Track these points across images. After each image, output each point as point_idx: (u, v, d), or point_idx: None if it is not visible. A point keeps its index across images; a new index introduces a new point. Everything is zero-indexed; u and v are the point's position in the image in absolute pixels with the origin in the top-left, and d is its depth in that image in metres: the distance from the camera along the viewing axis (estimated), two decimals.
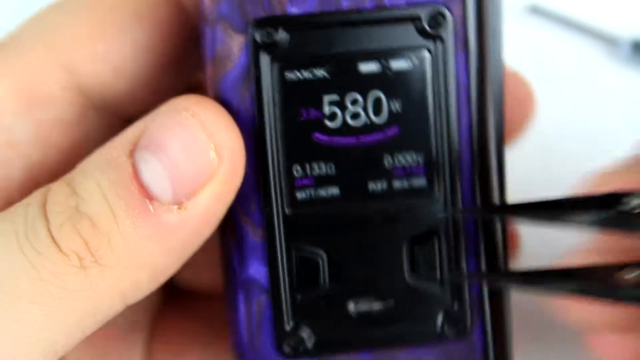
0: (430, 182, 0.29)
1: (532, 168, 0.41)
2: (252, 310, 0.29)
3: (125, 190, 0.27)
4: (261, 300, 0.29)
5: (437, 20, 0.28)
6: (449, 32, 0.28)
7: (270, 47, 0.28)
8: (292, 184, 0.29)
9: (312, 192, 0.29)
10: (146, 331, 0.35)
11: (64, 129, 0.31)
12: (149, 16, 0.30)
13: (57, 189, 0.27)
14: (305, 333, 0.29)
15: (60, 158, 0.31)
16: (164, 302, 0.36)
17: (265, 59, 0.28)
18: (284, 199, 0.29)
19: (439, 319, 0.29)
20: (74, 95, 0.31)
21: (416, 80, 0.28)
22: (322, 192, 0.28)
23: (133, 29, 0.30)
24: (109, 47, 0.30)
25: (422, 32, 0.28)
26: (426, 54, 0.28)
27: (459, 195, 0.29)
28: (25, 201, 0.27)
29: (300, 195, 0.29)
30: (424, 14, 0.28)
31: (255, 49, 0.28)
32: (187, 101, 0.28)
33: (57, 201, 0.27)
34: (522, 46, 0.44)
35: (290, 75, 0.28)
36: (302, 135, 0.28)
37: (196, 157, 0.27)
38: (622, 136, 0.40)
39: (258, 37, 0.28)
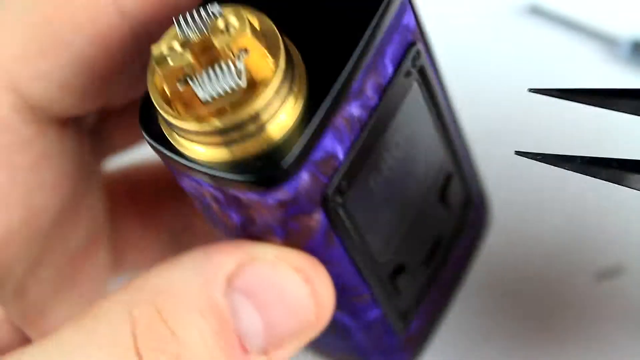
0: None
1: (533, 168, 0.41)
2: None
3: (228, 345, 0.27)
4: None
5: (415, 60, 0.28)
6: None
7: (344, 206, 0.28)
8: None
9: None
10: (107, 241, 0.35)
11: (24, 149, 0.31)
12: (89, 27, 0.30)
13: (149, 319, 0.26)
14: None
15: (28, 177, 0.31)
16: (123, 206, 0.36)
17: (344, 214, 0.28)
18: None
19: None
20: (26, 114, 0.30)
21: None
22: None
23: (74, 42, 0.30)
24: (52, 63, 0.30)
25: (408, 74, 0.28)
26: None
27: None
28: (105, 317, 0.27)
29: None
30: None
31: (332, 216, 0.27)
32: (299, 261, 0.28)
33: (153, 338, 0.26)
34: (522, 46, 0.44)
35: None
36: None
37: (298, 319, 0.28)
38: (622, 136, 0.40)
39: (332, 207, 0.27)
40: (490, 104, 0.43)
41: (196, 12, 0.25)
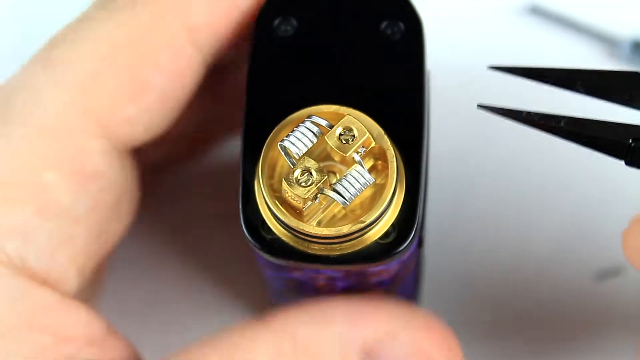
0: None
1: (534, 168, 0.41)
2: None
3: None
4: None
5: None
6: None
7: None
8: None
9: None
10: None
11: (111, 191, 0.32)
12: (170, 67, 0.31)
13: None
14: None
15: (111, 214, 0.32)
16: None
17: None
18: None
19: None
20: (113, 158, 0.32)
21: None
22: None
23: (158, 84, 0.31)
24: (140, 107, 0.31)
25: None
26: None
27: None
28: None
29: None
30: None
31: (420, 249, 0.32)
32: (432, 348, 0.31)
33: None
34: (522, 46, 0.44)
35: None
36: None
37: None
38: None
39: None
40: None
41: (304, 129, 0.28)
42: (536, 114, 0.27)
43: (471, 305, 0.39)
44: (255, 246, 0.28)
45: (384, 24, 0.30)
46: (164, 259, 0.41)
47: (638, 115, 0.29)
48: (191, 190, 0.41)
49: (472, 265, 0.40)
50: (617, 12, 0.44)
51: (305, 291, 0.31)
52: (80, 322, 0.31)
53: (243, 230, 0.28)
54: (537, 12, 0.44)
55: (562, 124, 0.27)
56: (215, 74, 0.34)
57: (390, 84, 0.30)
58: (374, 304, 0.31)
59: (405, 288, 0.33)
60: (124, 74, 0.31)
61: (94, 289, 0.36)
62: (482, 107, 0.29)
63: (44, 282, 0.31)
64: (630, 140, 0.27)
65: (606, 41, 0.44)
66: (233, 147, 0.41)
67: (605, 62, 0.44)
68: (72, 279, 0.32)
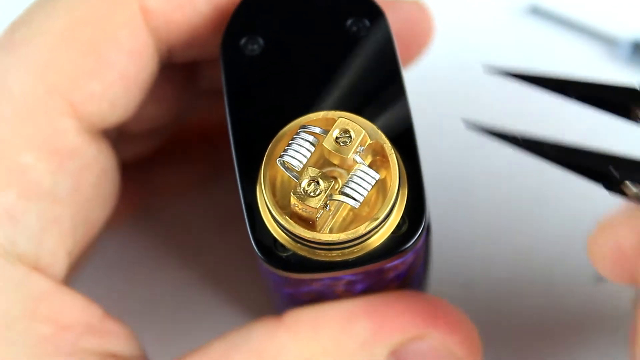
0: None
1: (535, 167, 0.41)
2: None
3: None
4: None
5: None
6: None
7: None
8: None
9: None
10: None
11: (91, 170, 0.32)
12: (128, 45, 0.31)
13: None
14: None
15: (94, 197, 0.32)
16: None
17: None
18: None
19: None
20: (87, 137, 0.32)
21: None
22: None
23: (118, 61, 0.31)
24: (103, 83, 0.31)
25: None
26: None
27: None
28: None
29: None
30: None
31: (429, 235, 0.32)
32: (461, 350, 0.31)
33: None
34: (522, 46, 0.44)
35: None
36: None
37: None
38: (623, 136, 0.40)
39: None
40: (490, 104, 0.43)
41: (301, 139, 0.28)
42: (521, 137, 0.27)
43: (471, 306, 0.39)
44: (273, 266, 0.28)
45: (348, 23, 0.30)
46: (163, 261, 0.41)
47: (629, 128, 0.29)
48: (191, 190, 0.41)
49: (472, 266, 0.40)
50: (617, 12, 0.44)
51: (326, 300, 0.31)
52: (77, 309, 0.31)
53: (257, 253, 0.28)
54: (537, 12, 0.44)
55: (545, 149, 0.27)
56: (191, 71, 0.35)
57: (368, 79, 0.30)
58: (398, 304, 0.31)
59: (417, 278, 0.33)
60: (84, 49, 0.31)
61: (69, 277, 0.36)
62: (467, 123, 0.29)
63: (35, 267, 0.31)
64: (612, 170, 0.27)
65: (606, 41, 0.44)
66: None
67: (605, 62, 0.44)
68: (61, 263, 0.31)
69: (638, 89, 0.28)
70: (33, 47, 0.31)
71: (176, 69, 0.35)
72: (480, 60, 0.44)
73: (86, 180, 0.32)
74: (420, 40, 0.36)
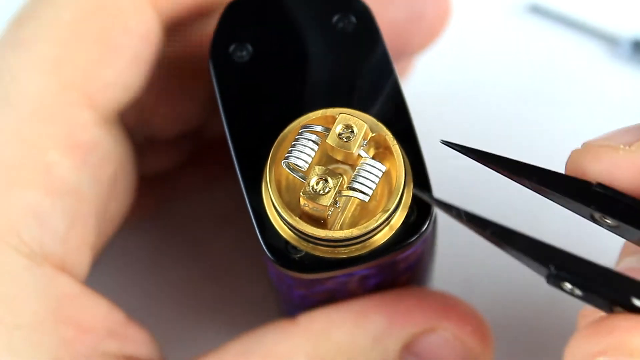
0: None
1: None
2: None
3: None
4: None
5: None
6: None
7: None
8: None
9: None
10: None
11: (110, 162, 0.32)
12: (137, 29, 0.31)
13: None
14: None
15: (112, 190, 0.32)
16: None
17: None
18: None
19: None
20: (105, 127, 0.31)
21: None
22: None
23: (129, 46, 0.31)
24: (116, 70, 0.31)
25: None
26: None
27: None
28: None
29: None
30: None
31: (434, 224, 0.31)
32: (472, 341, 0.32)
33: None
34: (522, 46, 0.44)
35: None
36: None
37: None
38: None
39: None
40: (490, 104, 0.43)
41: (303, 139, 0.28)
42: (466, 214, 0.27)
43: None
44: (287, 268, 0.28)
45: (334, 20, 0.30)
46: (166, 260, 0.41)
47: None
48: (191, 191, 0.41)
49: (472, 267, 0.40)
50: (618, 11, 0.44)
51: (339, 299, 0.31)
52: (101, 312, 0.31)
53: (269, 257, 0.28)
54: (537, 11, 0.44)
55: (488, 232, 0.27)
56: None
57: (360, 73, 0.30)
58: (409, 299, 0.31)
59: (425, 269, 0.34)
60: (95, 39, 0.31)
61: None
62: (444, 142, 0.29)
63: (61, 268, 0.31)
64: (552, 267, 0.27)
65: (606, 40, 0.44)
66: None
67: (605, 61, 0.44)
68: (84, 262, 0.31)
69: (594, 186, 0.27)
70: (43, 43, 0.31)
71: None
72: (480, 59, 0.44)
73: (105, 173, 0.32)
74: (438, 22, 0.35)
